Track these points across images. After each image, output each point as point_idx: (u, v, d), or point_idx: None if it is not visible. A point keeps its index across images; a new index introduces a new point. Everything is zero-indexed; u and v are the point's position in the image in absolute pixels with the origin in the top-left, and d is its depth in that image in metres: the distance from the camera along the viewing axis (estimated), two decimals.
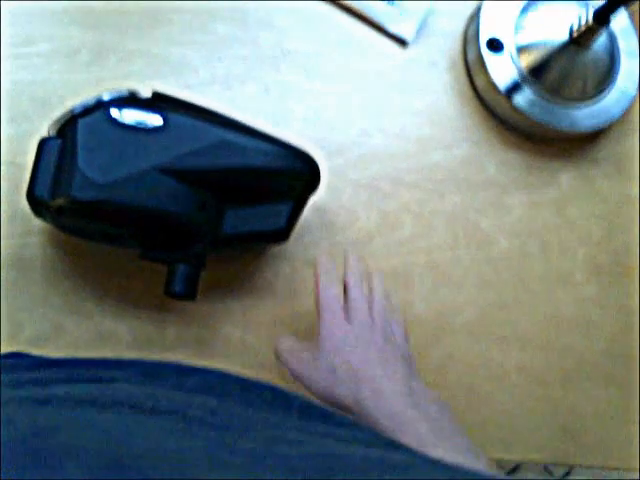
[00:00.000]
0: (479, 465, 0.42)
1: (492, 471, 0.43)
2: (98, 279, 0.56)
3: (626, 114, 0.68)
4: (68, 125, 0.48)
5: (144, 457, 0.23)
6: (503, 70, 0.65)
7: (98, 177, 0.46)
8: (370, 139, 0.64)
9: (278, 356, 0.50)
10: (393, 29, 0.66)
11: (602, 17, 0.61)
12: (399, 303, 0.61)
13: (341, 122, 0.63)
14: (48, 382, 0.31)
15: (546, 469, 1.40)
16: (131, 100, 0.50)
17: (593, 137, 0.70)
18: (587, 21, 0.62)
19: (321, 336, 0.47)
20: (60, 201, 0.47)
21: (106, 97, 0.49)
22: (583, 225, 0.68)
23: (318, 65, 0.64)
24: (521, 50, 0.65)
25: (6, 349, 0.53)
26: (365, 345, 0.47)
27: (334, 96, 0.64)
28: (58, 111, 0.50)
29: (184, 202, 0.48)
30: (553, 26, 0.66)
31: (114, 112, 0.48)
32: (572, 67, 0.65)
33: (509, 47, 0.66)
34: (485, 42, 0.65)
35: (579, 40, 0.64)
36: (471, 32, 0.67)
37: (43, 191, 0.48)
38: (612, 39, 0.67)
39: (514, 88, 0.65)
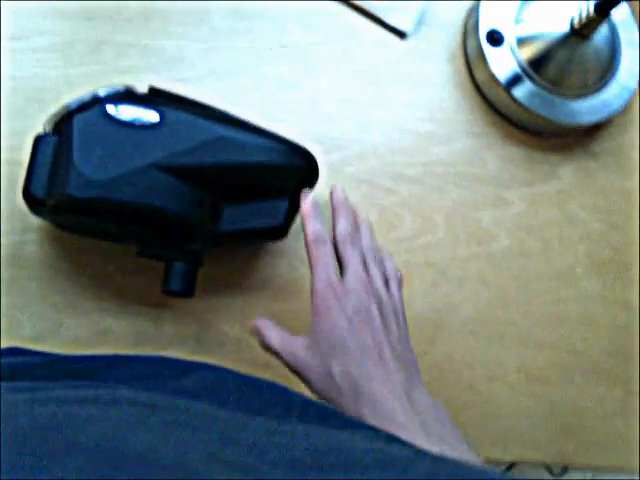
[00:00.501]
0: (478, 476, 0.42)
1: None
2: (96, 276, 0.55)
3: (626, 107, 0.68)
4: (64, 121, 0.48)
5: (144, 454, 0.23)
6: (503, 63, 0.64)
7: (94, 174, 0.46)
8: (369, 134, 0.63)
9: (267, 349, 0.49)
10: (392, 21, 0.65)
11: (603, 9, 0.61)
12: None
13: (339, 116, 0.63)
14: (46, 388, 0.31)
15: (546, 468, 1.41)
16: (127, 96, 0.49)
17: (593, 130, 0.69)
18: (588, 13, 0.62)
19: (316, 327, 0.46)
20: (56, 199, 0.47)
21: (102, 93, 0.48)
22: (584, 220, 0.67)
23: (316, 58, 0.63)
24: (521, 42, 0.65)
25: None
26: (363, 346, 0.45)
27: (332, 89, 0.63)
28: (54, 107, 0.49)
29: (181, 199, 0.48)
30: (553, 18, 0.65)
31: (110, 108, 0.47)
32: (573, 59, 0.65)
33: (509, 39, 0.65)
34: (485, 34, 0.65)
35: (580, 32, 0.63)
36: (471, 24, 0.66)
37: (39, 189, 0.47)
38: (613, 31, 0.67)
39: (514, 81, 0.64)
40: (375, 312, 0.47)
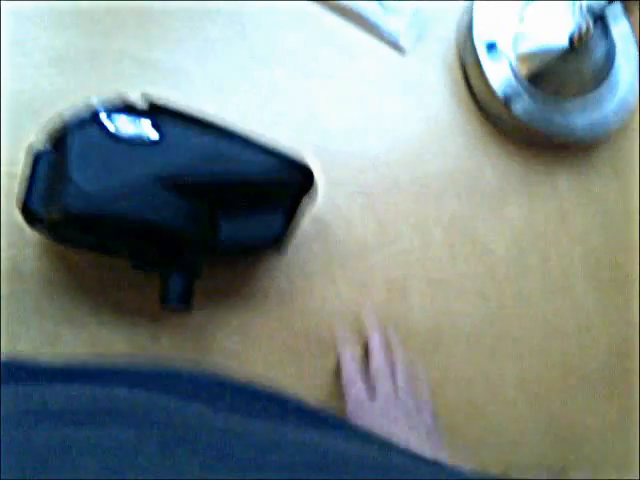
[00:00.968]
0: None
1: None
2: (94, 290, 0.55)
3: (626, 121, 0.68)
4: (61, 136, 0.48)
5: None
6: (501, 76, 0.65)
7: (91, 189, 0.46)
8: (366, 145, 0.63)
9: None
10: (390, 34, 0.65)
11: (603, 22, 0.61)
12: (396, 314, 0.61)
13: (337, 128, 0.63)
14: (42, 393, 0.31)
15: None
16: (125, 110, 0.50)
17: (592, 144, 0.69)
18: (587, 28, 0.62)
19: (349, 412, 0.51)
20: (54, 214, 0.47)
21: (99, 106, 0.49)
22: (582, 233, 0.67)
23: (314, 70, 0.64)
24: (520, 56, 0.65)
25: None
26: (389, 425, 0.49)
27: (329, 101, 0.63)
28: (51, 119, 0.49)
29: (178, 214, 0.48)
30: (552, 32, 0.65)
31: (108, 123, 0.48)
32: (571, 72, 0.65)
33: (507, 52, 0.65)
34: (483, 47, 0.65)
35: (579, 46, 0.63)
36: (469, 36, 0.66)
37: (36, 203, 0.47)
38: (612, 46, 0.67)
39: (512, 94, 0.64)
40: (402, 412, 0.52)
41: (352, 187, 0.62)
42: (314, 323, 0.59)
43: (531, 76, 0.64)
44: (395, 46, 0.66)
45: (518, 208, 0.66)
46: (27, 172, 0.48)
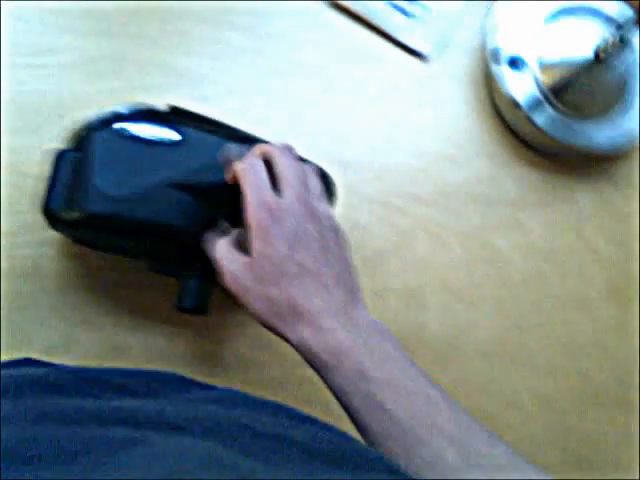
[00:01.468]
0: (429, 388, 0.41)
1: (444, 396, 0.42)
2: (111, 292, 0.55)
3: None
4: (84, 138, 0.48)
5: None
6: (524, 87, 0.64)
7: (113, 191, 0.46)
8: (386, 155, 0.63)
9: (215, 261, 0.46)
10: (412, 43, 0.65)
11: (627, 35, 0.60)
12: (412, 323, 0.61)
13: (357, 136, 0.63)
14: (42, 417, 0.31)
15: None
16: (148, 114, 0.50)
17: (613, 157, 0.69)
18: (613, 41, 0.61)
19: (255, 252, 0.44)
20: (75, 214, 0.47)
21: (123, 110, 0.49)
22: (601, 246, 0.67)
23: (335, 78, 0.64)
24: (543, 67, 0.65)
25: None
26: (303, 269, 0.43)
27: (350, 110, 0.63)
28: (74, 122, 0.50)
29: (198, 218, 0.48)
30: (577, 44, 0.65)
31: (131, 126, 0.48)
32: (595, 86, 0.65)
33: (531, 64, 0.65)
34: (507, 58, 0.64)
35: (602, 58, 0.63)
36: (493, 47, 0.66)
37: (58, 204, 0.48)
38: (635, 59, 0.66)
39: (535, 106, 0.64)
40: (314, 233, 0.45)
41: (371, 195, 0.62)
42: None
43: (554, 87, 0.64)
44: (419, 56, 0.66)
45: (537, 220, 0.66)
46: (49, 172, 0.48)
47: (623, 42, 0.61)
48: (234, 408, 0.34)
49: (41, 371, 0.38)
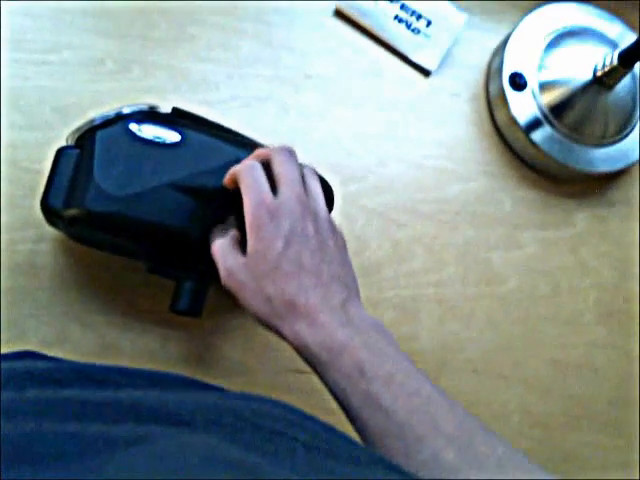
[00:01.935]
0: (428, 387, 0.41)
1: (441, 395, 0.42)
2: (106, 290, 0.56)
3: None
4: (87, 136, 0.49)
5: None
6: (524, 106, 0.65)
7: (113, 190, 0.46)
8: (386, 167, 0.64)
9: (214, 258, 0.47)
10: (416, 58, 0.66)
11: (627, 59, 0.61)
12: (404, 335, 0.61)
13: (358, 149, 0.63)
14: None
15: None
16: (151, 115, 0.50)
17: (610, 179, 0.69)
18: (612, 62, 0.62)
19: (252, 249, 0.44)
20: (73, 211, 0.47)
21: (126, 110, 0.49)
22: (596, 267, 0.67)
23: (339, 90, 0.64)
24: (543, 87, 0.65)
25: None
26: (300, 266, 0.44)
27: (353, 122, 0.64)
28: (78, 120, 0.50)
29: (196, 220, 0.48)
30: (577, 65, 0.65)
31: (133, 126, 0.48)
32: (594, 107, 0.65)
33: (532, 83, 0.65)
34: (508, 77, 0.65)
35: (603, 81, 0.64)
36: (495, 66, 0.67)
37: (57, 200, 0.48)
38: (635, 82, 0.67)
39: (534, 125, 0.65)
40: (311, 230, 0.45)
41: (370, 207, 0.62)
42: None
43: (553, 106, 0.65)
44: (421, 71, 0.67)
45: (532, 238, 0.66)
46: (50, 169, 0.49)
47: (623, 65, 0.61)
48: (235, 401, 0.34)
49: (43, 364, 0.38)
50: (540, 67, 0.66)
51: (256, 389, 0.56)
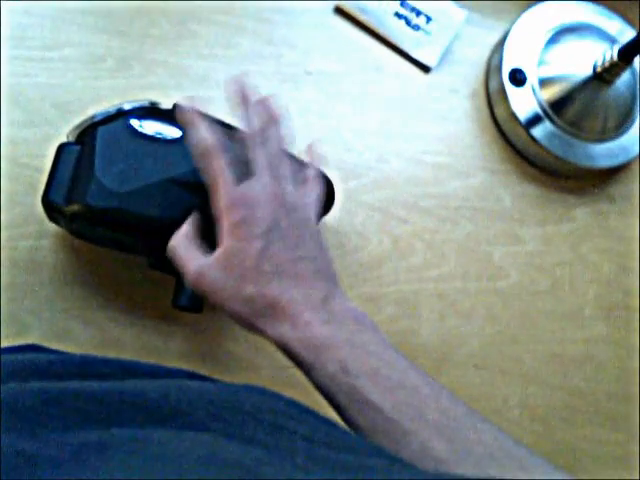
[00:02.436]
0: (413, 376, 0.41)
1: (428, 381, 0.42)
2: (107, 286, 0.56)
3: None
4: (88, 132, 0.49)
5: None
6: (524, 102, 0.65)
7: (114, 185, 0.47)
8: (386, 163, 0.64)
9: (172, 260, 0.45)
10: (416, 55, 0.66)
11: (627, 55, 0.61)
12: (405, 330, 0.61)
13: (359, 144, 0.63)
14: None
15: None
16: (152, 111, 0.50)
17: (610, 174, 0.69)
18: (612, 58, 0.62)
19: (226, 249, 0.43)
20: (74, 207, 0.47)
21: (127, 106, 0.49)
22: (596, 262, 0.67)
23: (339, 86, 0.64)
24: (543, 83, 0.65)
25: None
26: (277, 264, 0.43)
27: (353, 118, 0.64)
28: (79, 117, 0.50)
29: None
30: (577, 61, 0.65)
31: (134, 122, 0.48)
32: (594, 103, 0.65)
33: (531, 79, 0.65)
34: (508, 73, 0.65)
35: (602, 76, 0.64)
36: (494, 62, 0.67)
37: (58, 196, 0.48)
38: (635, 78, 0.67)
39: (534, 120, 0.65)
40: (286, 225, 0.44)
41: (370, 203, 0.62)
42: None
43: (553, 102, 0.65)
44: (421, 67, 0.67)
45: (533, 233, 0.66)
46: (51, 165, 0.49)
47: (623, 60, 0.61)
48: (236, 395, 0.34)
49: (45, 358, 0.38)
50: (540, 63, 0.66)
51: (259, 384, 0.56)
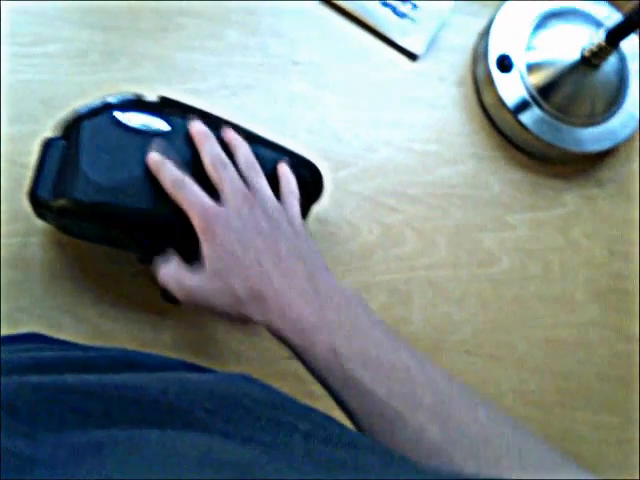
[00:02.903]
0: (405, 357, 0.41)
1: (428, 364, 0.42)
2: (98, 281, 0.56)
3: (632, 137, 0.68)
4: (73, 126, 0.49)
5: None
6: (512, 88, 0.65)
7: (101, 179, 0.46)
8: (375, 152, 0.64)
9: (166, 287, 0.47)
10: (403, 42, 0.66)
11: (614, 38, 0.61)
12: (397, 318, 0.61)
13: (347, 134, 0.63)
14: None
15: None
16: (137, 104, 0.50)
17: (598, 158, 0.70)
18: (599, 42, 0.62)
19: (207, 255, 0.45)
20: (62, 202, 0.47)
21: (112, 100, 0.49)
22: (586, 246, 0.67)
23: (327, 76, 0.64)
24: (531, 68, 0.65)
25: None
26: (258, 253, 0.44)
27: (341, 107, 0.64)
28: (64, 112, 0.50)
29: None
30: (564, 46, 0.65)
31: (119, 115, 0.48)
32: (581, 87, 0.65)
33: (519, 65, 0.65)
34: (495, 59, 0.65)
35: (590, 61, 0.64)
36: (481, 48, 0.67)
37: (45, 191, 0.48)
38: (622, 62, 0.67)
39: (522, 106, 0.65)
40: (261, 216, 0.46)
41: (360, 192, 0.62)
42: None
43: (541, 87, 0.65)
44: (408, 55, 0.67)
45: (522, 219, 0.66)
46: (37, 160, 0.48)
47: (610, 43, 0.61)
48: (234, 388, 0.34)
49: (48, 354, 0.38)
50: (527, 48, 0.66)
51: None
